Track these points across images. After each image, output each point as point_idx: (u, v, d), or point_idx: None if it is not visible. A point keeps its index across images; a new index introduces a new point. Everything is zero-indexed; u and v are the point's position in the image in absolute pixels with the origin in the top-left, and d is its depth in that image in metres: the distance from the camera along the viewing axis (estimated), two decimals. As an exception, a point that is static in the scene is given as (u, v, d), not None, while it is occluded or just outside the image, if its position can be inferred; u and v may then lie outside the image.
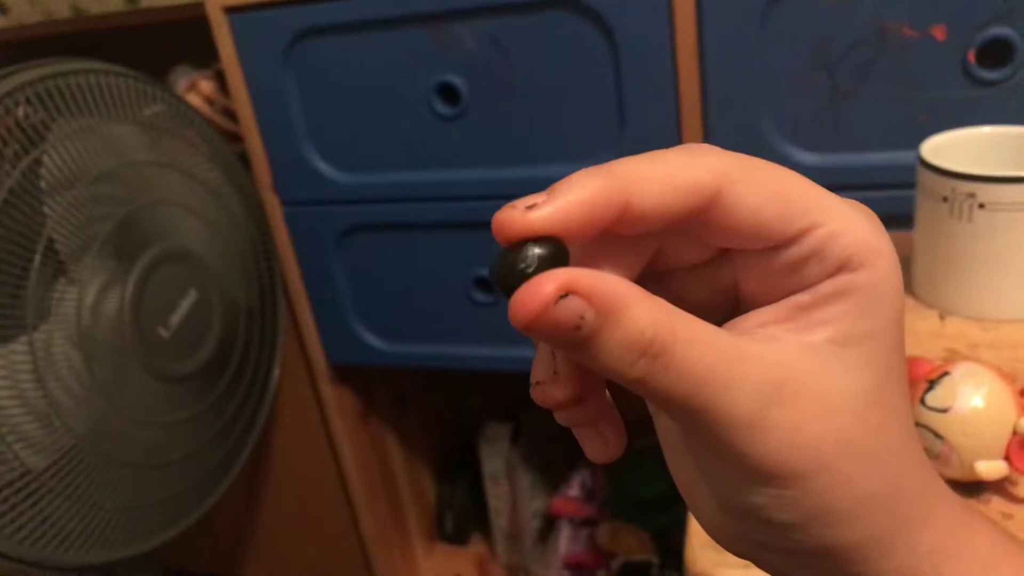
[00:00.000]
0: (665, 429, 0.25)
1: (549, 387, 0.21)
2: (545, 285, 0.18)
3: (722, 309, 0.23)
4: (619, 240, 0.22)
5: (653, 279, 0.24)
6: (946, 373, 0.43)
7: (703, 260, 0.23)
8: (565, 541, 1.23)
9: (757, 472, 0.20)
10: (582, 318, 0.18)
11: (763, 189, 0.20)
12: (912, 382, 0.45)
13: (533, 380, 0.21)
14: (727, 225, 0.21)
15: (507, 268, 0.19)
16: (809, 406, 0.20)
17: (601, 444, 0.23)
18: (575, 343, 0.19)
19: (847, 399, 0.20)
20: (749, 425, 0.19)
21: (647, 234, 0.22)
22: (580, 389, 0.21)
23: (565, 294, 0.18)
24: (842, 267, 0.20)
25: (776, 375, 0.20)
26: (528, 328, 0.18)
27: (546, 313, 0.18)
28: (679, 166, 0.20)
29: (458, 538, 1.39)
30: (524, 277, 0.19)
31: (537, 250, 0.19)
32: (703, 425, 0.20)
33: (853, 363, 0.20)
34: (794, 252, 0.21)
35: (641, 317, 0.19)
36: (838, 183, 0.78)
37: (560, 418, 0.23)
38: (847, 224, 0.20)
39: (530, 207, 0.19)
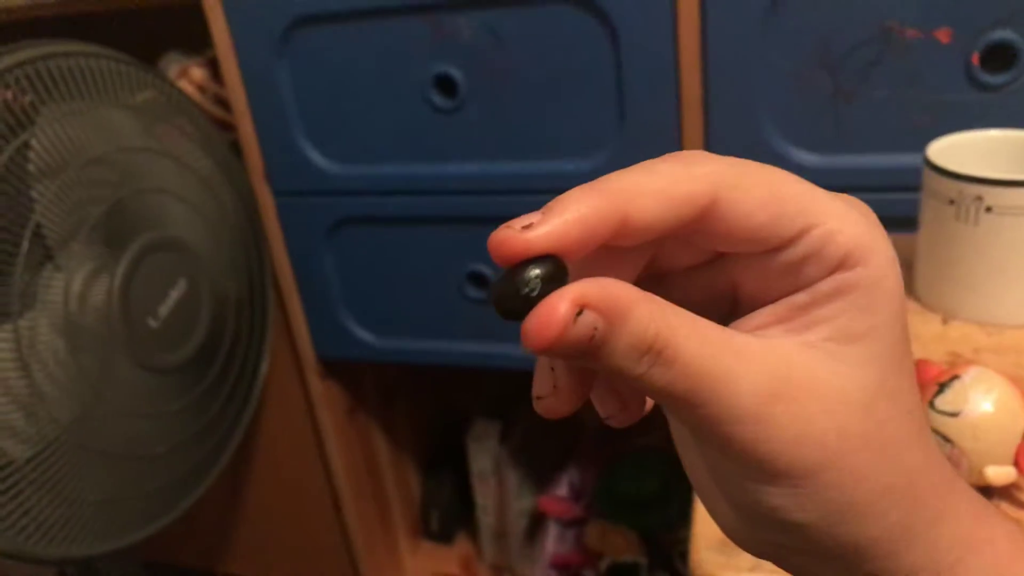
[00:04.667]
0: (680, 435, 0.25)
1: (550, 400, 0.21)
2: (558, 307, 0.18)
3: (719, 311, 0.23)
4: (615, 250, 0.22)
5: (650, 283, 0.24)
6: (956, 377, 0.43)
7: (699, 263, 0.23)
8: (552, 541, 1.22)
9: (765, 470, 0.20)
10: (595, 329, 0.18)
11: (757, 193, 0.20)
12: (921, 385, 0.45)
13: (535, 394, 0.22)
14: (723, 231, 0.21)
15: (508, 292, 0.19)
16: (811, 403, 0.20)
17: (626, 417, 0.23)
18: (586, 353, 0.19)
19: (849, 395, 0.20)
20: (753, 419, 0.20)
21: (643, 243, 0.22)
22: (581, 399, 0.21)
23: (580, 311, 0.18)
24: (839, 266, 0.20)
25: (775, 371, 0.20)
26: (546, 351, 0.18)
27: (565, 334, 0.18)
28: (673, 177, 0.20)
29: (444, 536, 1.38)
30: (529, 301, 0.19)
31: (537, 271, 0.19)
32: (708, 421, 0.20)
33: (853, 360, 0.20)
34: (791, 254, 0.21)
35: (643, 317, 0.19)
36: (838, 184, 0.77)
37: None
38: (842, 222, 0.20)
39: (526, 227, 0.19)
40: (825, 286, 0.20)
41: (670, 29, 0.77)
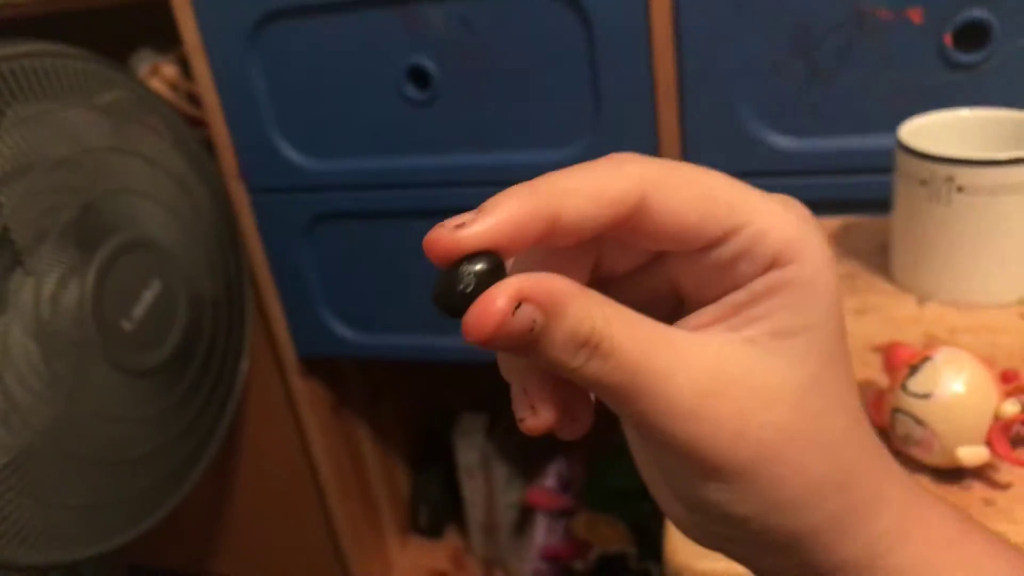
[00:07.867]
0: (628, 430, 0.26)
1: (531, 420, 0.22)
2: (496, 300, 0.19)
3: (663, 312, 0.24)
4: (560, 256, 0.23)
5: (595, 288, 0.24)
6: (927, 358, 0.43)
7: (639, 265, 0.24)
8: (541, 533, 1.22)
9: (706, 466, 0.21)
10: (534, 321, 0.19)
11: (686, 192, 0.21)
12: (894, 367, 0.44)
13: (517, 417, 0.22)
14: (654, 230, 0.21)
15: (446, 289, 0.20)
16: (748, 398, 0.21)
17: (577, 428, 0.24)
18: (525, 345, 0.19)
19: (784, 390, 0.21)
20: (692, 416, 0.20)
21: (584, 246, 0.22)
22: (559, 413, 0.22)
23: (518, 304, 0.19)
24: (772, 264, 0.21)
25: (712, 365, 0.21)
26: (486, 343, 0.19)
27: (504, 326, 0.19)
28: (602, 176, 0.21)
29: (433, 531, 1.37)
30: (467, 297, 0.19)
31: (473, 267, 0.20)
32: (646, 416, 0.20)
33: (789, 355, 0.21)
34: (724, 252, 0.21)
35: (580, 310, 0.20)
36: (815, 167, 0.78)
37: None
38: (773, 221, 0.21)
39: (459, 226, 0.20)
40: (759, 284, 0.21)
41: (643, 16, 0.76)
